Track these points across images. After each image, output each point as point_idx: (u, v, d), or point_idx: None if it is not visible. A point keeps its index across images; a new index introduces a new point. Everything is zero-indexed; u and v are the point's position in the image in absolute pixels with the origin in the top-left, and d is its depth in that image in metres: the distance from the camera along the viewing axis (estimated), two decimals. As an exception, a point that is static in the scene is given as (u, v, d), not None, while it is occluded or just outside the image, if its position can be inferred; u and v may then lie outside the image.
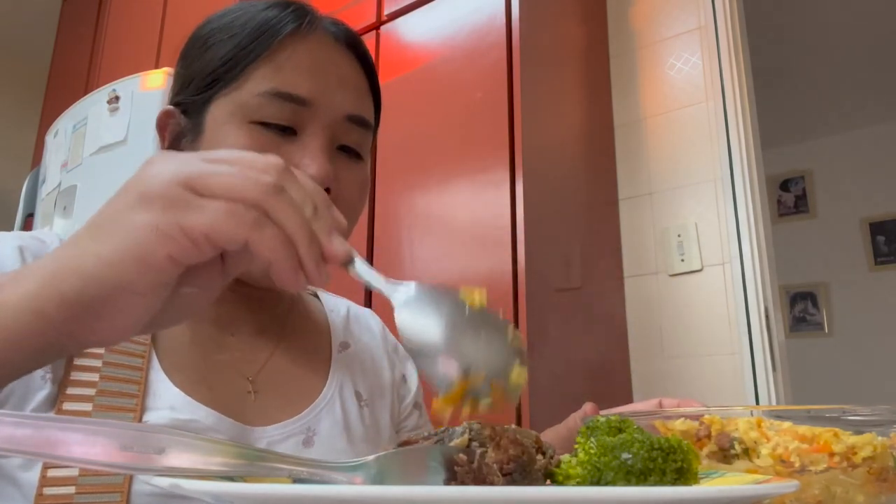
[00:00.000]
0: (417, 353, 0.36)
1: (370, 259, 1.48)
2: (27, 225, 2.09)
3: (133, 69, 1.81)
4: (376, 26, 1.65)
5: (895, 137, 3.79)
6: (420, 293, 0.37)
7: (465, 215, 1.36)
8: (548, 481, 0.34)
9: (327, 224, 0.33)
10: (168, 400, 0.51)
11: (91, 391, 0.48)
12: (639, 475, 0.32)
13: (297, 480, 0.31)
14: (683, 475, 0.32)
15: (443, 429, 0.35)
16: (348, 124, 0.57)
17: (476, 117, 1.40)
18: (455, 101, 1.45)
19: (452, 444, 0.33)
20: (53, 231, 0.56)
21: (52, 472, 0.45)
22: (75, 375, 0.49)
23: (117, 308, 0.32)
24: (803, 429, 0.43)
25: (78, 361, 0.49)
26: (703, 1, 1.70)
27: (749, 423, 0.45)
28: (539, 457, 0.34)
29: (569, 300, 1.45)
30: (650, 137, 1.74)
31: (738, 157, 1.56)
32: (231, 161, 0.33)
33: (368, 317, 0.75)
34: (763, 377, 1.43)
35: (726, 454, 0.45)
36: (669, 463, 0.32)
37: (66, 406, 0.47)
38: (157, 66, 2.15)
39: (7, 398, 0.46)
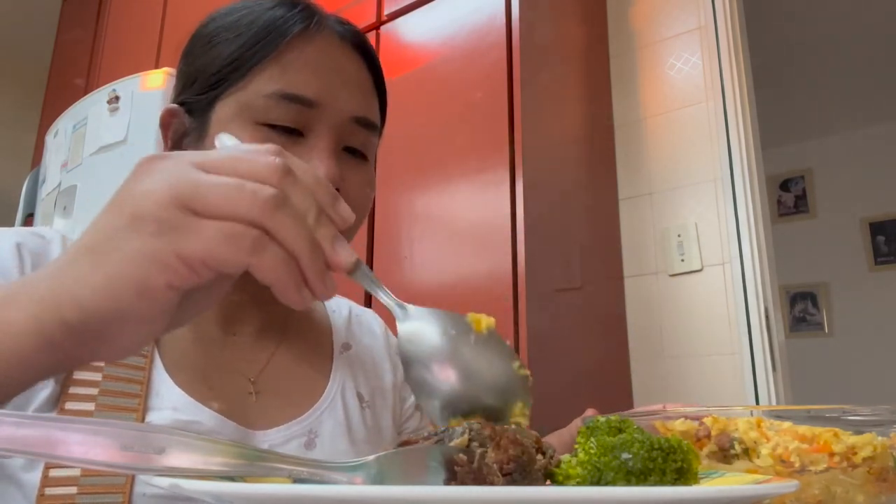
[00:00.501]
0: (416, 384, 0.36)
1: (370, 259, 1.48)
2: (27, 225, 2.09)
3: (133, 69, 1.81)
4: (376, 26, 1.65)
5: (895, 137, 3.79)
6: (425, 314, 0.37)
7: (465, 215, 1.36)
8: (548, 481, 0.34)
9: (331, 230, 0.33)
10: (170, 400, 0.51)
11: (94, 390, 0.48)
12: (639, 475, 0.32)
13: (298, 480, 0.31)
14: (683, 475, 0.32)
15: (443, 429, 0.35)
16: (354, 126, 0.57)
17: (476, 117, 1.40)
18: (455, 101, 1.45)
19: (452, 444, 0.33)
20: (55, 229, 0.56)
21: (53, 473, 0.45)
22: (78, 375, 0.49)
23: (122, 333, 0.31)
24: (803, 429, 0.44)
25: None
26: (703, 1, 1.70)
27: (749, 423, 0.45)
28: (539, 457, 0.34)
29: (569, 300, 1.45)
30: (650, 137, 1.74)
31: (738, 156, 1.56)
32: (229, 168, 0.31)
33: (370, 318, 0.75)
34: (763, 377, 1.43)
35: (726, 454, 0.45)
36: (669, 463, 0.32)
37: (69, 405, 0.47)
38: (157, 66, 2.15)
39: None
